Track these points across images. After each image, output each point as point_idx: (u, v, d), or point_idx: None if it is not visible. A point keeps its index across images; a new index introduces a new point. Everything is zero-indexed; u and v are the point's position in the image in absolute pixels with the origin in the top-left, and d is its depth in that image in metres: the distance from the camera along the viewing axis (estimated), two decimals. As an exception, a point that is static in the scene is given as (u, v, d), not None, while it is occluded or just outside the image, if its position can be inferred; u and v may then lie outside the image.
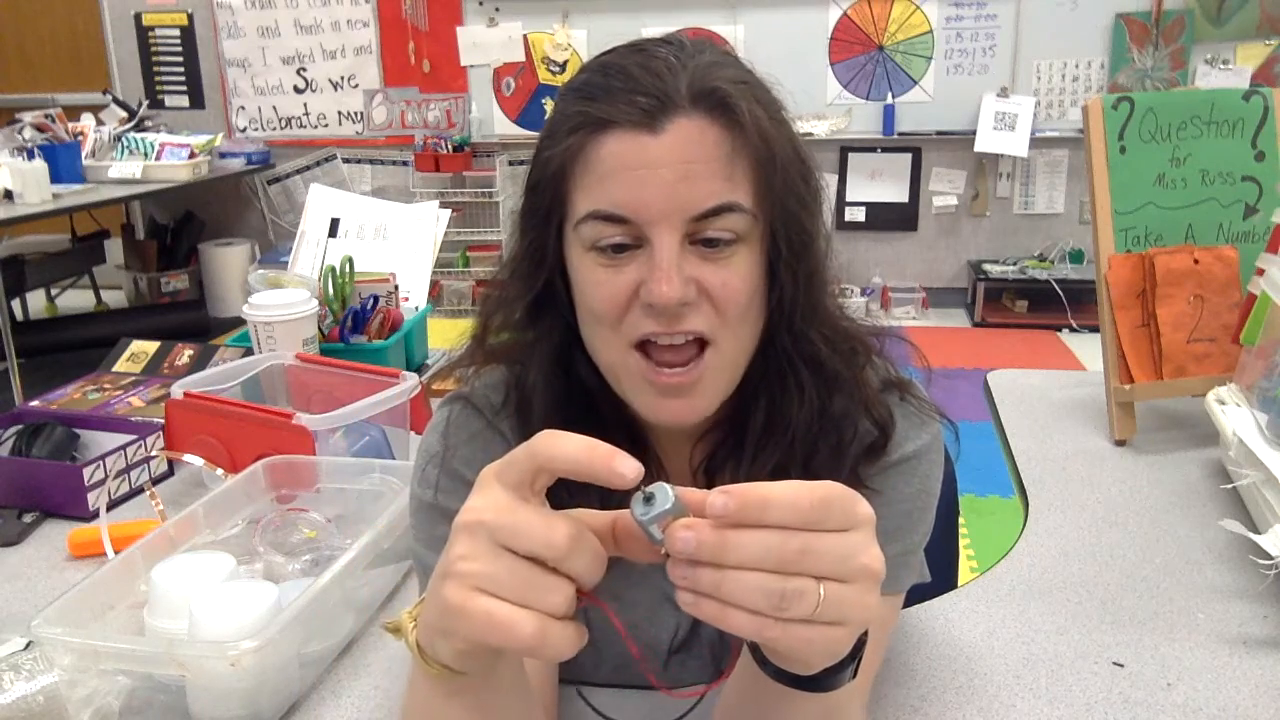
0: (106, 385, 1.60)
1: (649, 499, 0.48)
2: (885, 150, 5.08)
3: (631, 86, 0.66)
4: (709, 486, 0.77)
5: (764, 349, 0.74)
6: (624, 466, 0.47)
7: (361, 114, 5.40)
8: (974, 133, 4.86)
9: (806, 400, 0.74)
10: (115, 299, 5.50)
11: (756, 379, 0.75)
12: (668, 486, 0.48)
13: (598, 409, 0.77)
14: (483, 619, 0.48)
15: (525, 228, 0.74)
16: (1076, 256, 5.00)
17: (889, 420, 0.77)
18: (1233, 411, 1.28)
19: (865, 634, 0.56)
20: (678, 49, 0.69)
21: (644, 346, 0.69)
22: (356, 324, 1.68)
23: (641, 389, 0.70)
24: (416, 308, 1.86)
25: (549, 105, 5.14)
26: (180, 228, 5.44)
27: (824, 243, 0.74)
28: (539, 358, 0.76)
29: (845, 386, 0.76)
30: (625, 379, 0.71)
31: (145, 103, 5.02)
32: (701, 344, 0.69)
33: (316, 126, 5.45)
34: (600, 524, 0.52)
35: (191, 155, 4.62)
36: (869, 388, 0.78)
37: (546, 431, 0.49)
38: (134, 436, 1.36)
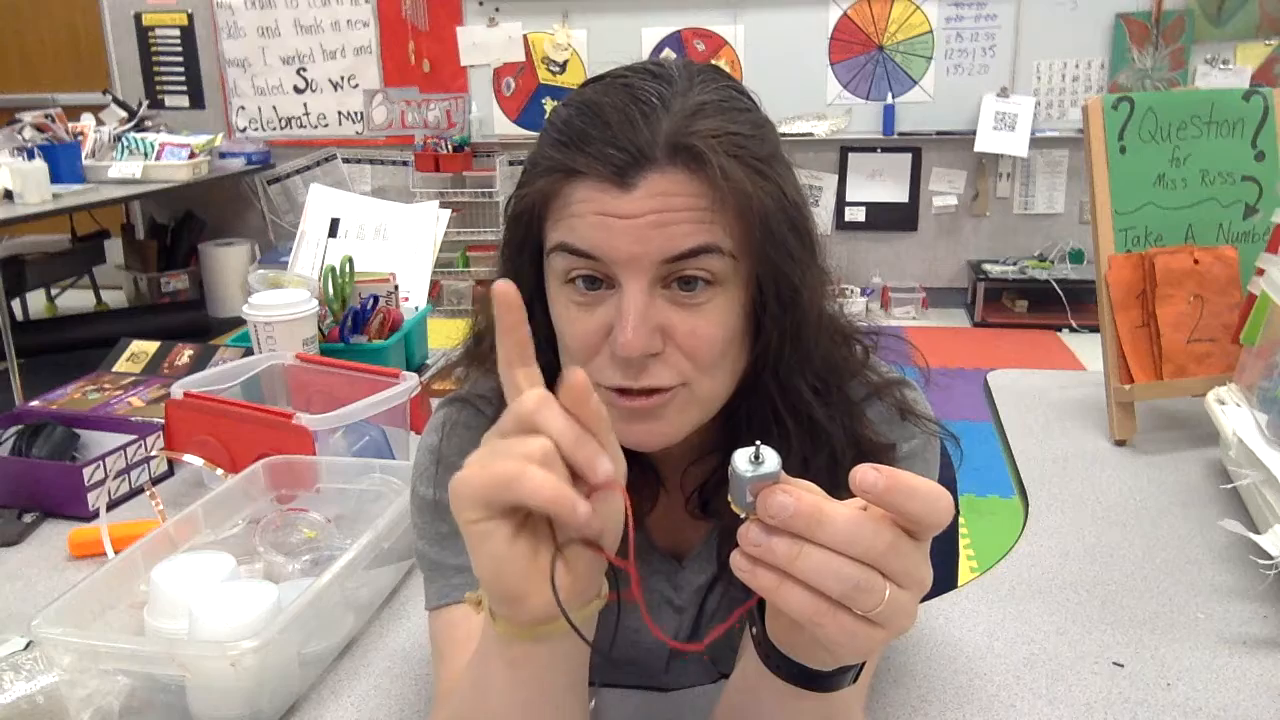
0: (106, 385, 1.60)
1: (757, 458, 0.48)
2: (885, 150, 5.08)
3: (607, 137, 0.63)
4: (703, 508, 0.77)
5: (749, 390, 0.72)
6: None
7: (361, 114, 5.40)
8: (974, 133, 4.86)
9: (792, 453, 0.72)
10: (115, 299, 5.50)
11: (742, 419, 0.73)
12: (775, 453, 0.48)
13: None
14: (473, 474, 0.50)
15: (505, 255, 0.73)
16: (1076, 256, 5.00)
17: (889, 451, 0.76)
18: (1233, 411, 1.28)
19: None
20: (666, 84, 0.66)
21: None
22: (356, 324, 1.68)
23: (612, 413, 0.69)
24: (416, 308, 1.86)
25: (549, 105, 5.16)
26: (180, 228, 5.44)
27: (818, 294, 0.71)
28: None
29: (834, 436, 0.73)
30: None
31: (145, 103, 5.02)
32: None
33: (316, 126, 5.45)
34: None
35: (191, 155, 4.62)
36: (868, 428, 0.75)
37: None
38: (134, 436, 1.36)
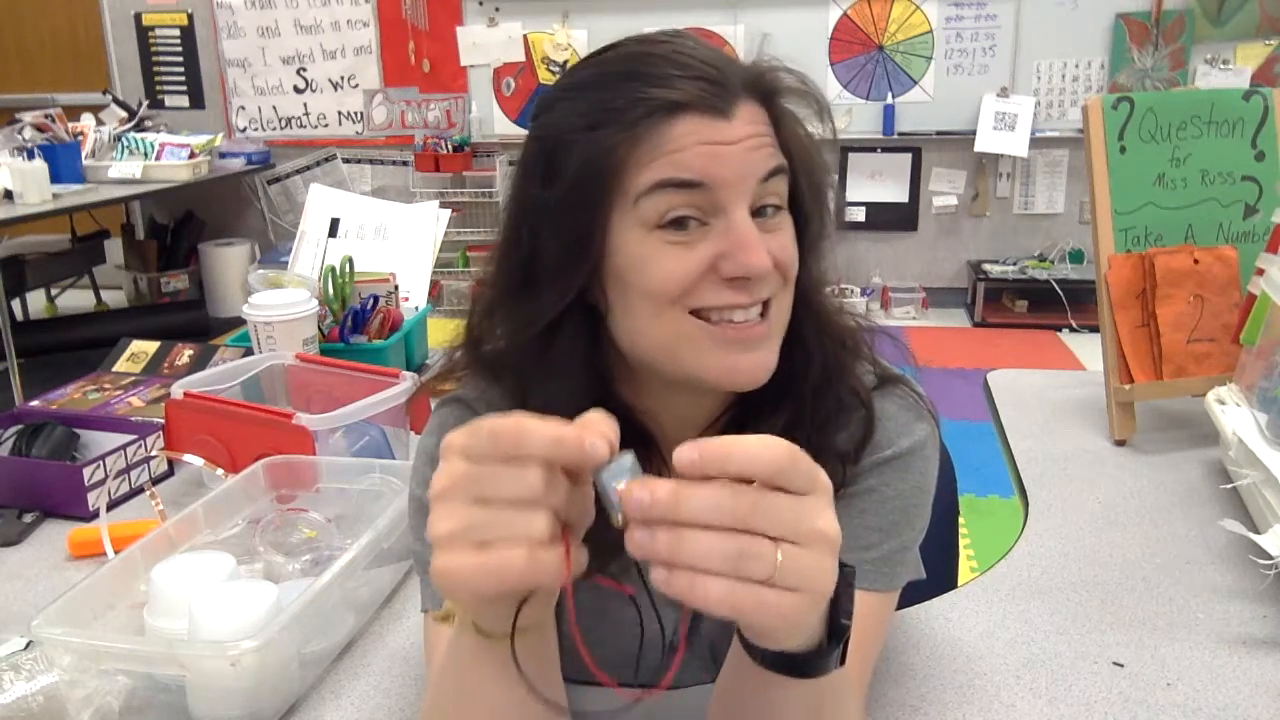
0: (106, 385, 1.60)
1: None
2: (885, 150, 5.08)
3: (693, 73, 0.68)
4: None
5: None
6: (596, 450, 0.49)
7: (361, 114, 5.40)
8: (974, 133, 4.86)
9: (814, 355, 0.76)
10: (115, 299, 5.50)
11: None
12: (627, 451, 0.50)
13: (603, 404, 0.77)
14: (475, 570, 0.49)
15: (563, 223, 0.69)
16: (1076, 256, 5.00)
17: (869, 399, 0.79)
18: (1233, 411, 1.28)
19: (849, 624, 0.56)
20: (692, 41, 0.71)
21: (700, 313, 0.69)
22: (356, 324, 1.68)
23: (709, 351, 0.69)
24: (416, 308, 1.86)
25: (549, 105, 5.15)
26: (180, 228, 5.44)
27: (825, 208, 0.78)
28: (568, 362, 0.73)
29: (841, 341, 0.78)
30: (688, 347, 0.70)
31: (145, 103, 5.03)
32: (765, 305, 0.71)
33: (316, 126, 5.45)
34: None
35: (191, 155, 4.62)
36: (852, 369, 0.79)
37: (513, 421, 0.50)
38: (134, 436, 1.36)
